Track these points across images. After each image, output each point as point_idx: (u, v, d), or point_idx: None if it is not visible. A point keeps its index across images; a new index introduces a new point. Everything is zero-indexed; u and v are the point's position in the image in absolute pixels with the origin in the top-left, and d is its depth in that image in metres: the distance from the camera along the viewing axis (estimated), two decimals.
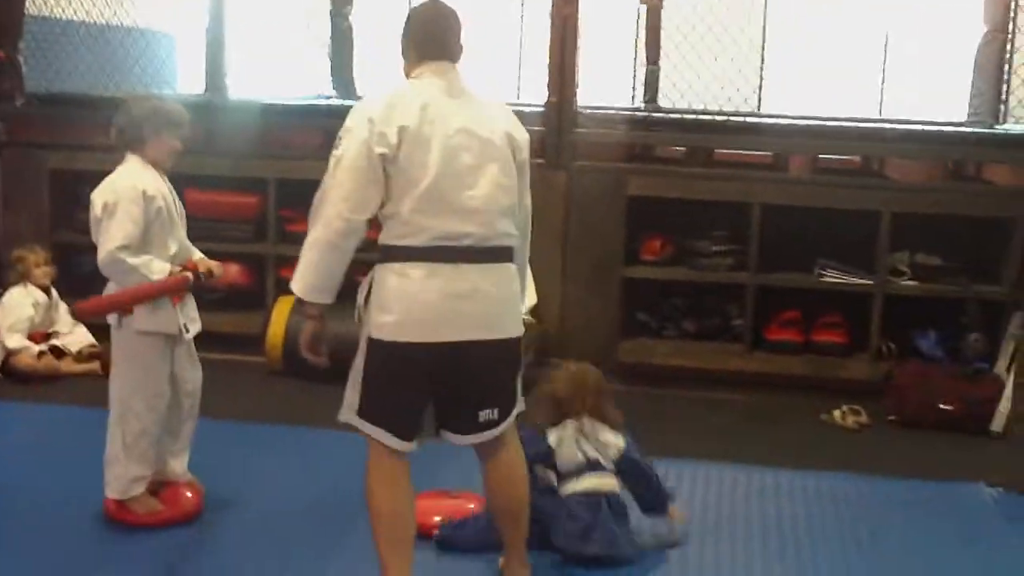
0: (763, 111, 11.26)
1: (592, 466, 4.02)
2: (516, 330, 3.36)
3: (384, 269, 3.22)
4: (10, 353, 5.92)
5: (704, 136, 6.75)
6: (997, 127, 7.68)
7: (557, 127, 6.25)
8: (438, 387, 3.29)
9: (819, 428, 5.71)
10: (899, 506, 4.63)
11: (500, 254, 3.28)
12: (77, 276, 6.50)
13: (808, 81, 12.04)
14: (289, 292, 6.26)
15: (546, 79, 6.29)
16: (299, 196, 6.68)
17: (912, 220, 6.15)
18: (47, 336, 6.09)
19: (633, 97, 9.58)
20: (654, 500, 4.12)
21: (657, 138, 6.75)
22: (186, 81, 9.94)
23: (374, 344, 3.23)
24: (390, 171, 3.16)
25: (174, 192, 4.19)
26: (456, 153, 3.19)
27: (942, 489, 4.83)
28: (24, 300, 6.01)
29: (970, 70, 9.12)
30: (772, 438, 5.54)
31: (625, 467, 4.06)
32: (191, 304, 4.19)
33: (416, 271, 3.16)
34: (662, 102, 8.27)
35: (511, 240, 3.30)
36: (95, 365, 6.00)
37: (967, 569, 4.08)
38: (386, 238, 3.21)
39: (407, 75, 3.40)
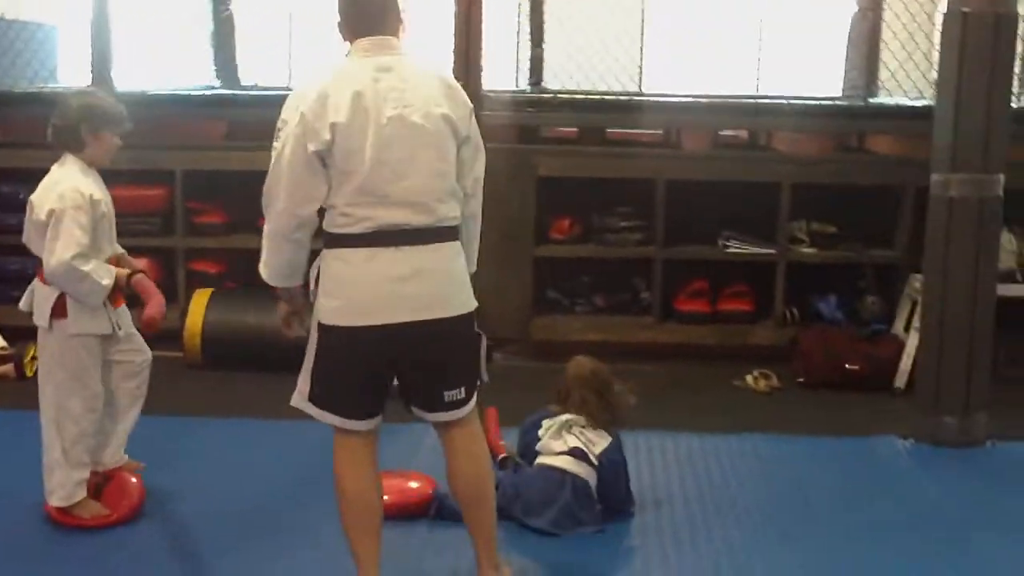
0: (645, 91, 11.57)
1: (572, 452, 4.16)
2: (466, 306, 3.32)
3: (328, 255, 3.24)
4: None
5: (600, 116, 6.89)
6: (871, 100, 8.06)
7: None
8: (393, 369, 3.29)
9: (734, 393, 5.93)
10: (822, 461, 4.88)
11: (443, 234, 3.25)
12: None
13: (688, 61, 12.34)
14: (204, 285, 6.37)
15: (451, 64, 6.35)
16: (206, 187, 6.74)
17: (808, 191, 6.41)
18: None
19: (517, 80, 9.72)
20: (620, 504, 4.25)
21: (556, 119, 6.86)
22: (68, 73, 9.73)
23: (322, 329, 3.26)
24: (328, 163, 3.15)
25: (107, 192, 4.12)
26: (389, 144, 3.14)
27: (859, 443, 5.09)
28: None
29: (843, 46, 9.55)
30: (690, 405, 5.73)
31: (604, 464, 4.18)
32: (123, 305, 4.15)
33: (356, 256, 3.18)
34: (547, 84, 8.43)
35: (454, 220, 3.27)
36: (7, 368, 5.88)
37: (891, 514, 4.31)
38: (328, 226, 3.22)
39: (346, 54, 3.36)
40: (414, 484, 4.25)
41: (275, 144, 3.22)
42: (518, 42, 10.00)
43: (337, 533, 3.46)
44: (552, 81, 8.01)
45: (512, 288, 6.47)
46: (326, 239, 3.24)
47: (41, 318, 3.98)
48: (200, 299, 6.25)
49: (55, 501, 4.05)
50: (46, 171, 6.53)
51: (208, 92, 7.81)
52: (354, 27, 3.29)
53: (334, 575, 3.62)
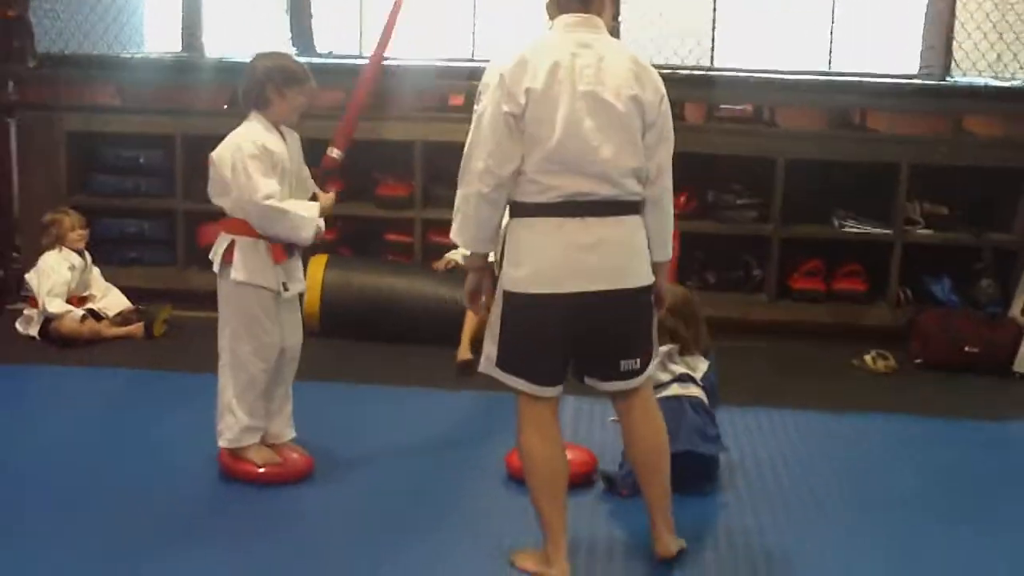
0: (716, 65, 11.54)
1: (679, 379, 4.31)
2: (645, 279, 3.40)
3: (515, 224, 3.35)
4: (51, 318, 5.85)
5: (704, 91, 6.88)
6: (947, 79, 8.02)
7: None
8: (574, 337, 3.37)
9: (852, 373, 5.96)
10: (957, 445, 4.90)
11: (626, 207, 3.33)
12: (99, 239, 6.45)
13: (758, 35, 12.29)
14: (320, 252, 6.42)
15: None
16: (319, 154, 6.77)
17: (922, 171, 6.41)
18: (83, 300, 6.03)
19: None
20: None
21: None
22: (155, 39, 9.76)
23: (508, 296, 3.37)
24: (521, 128, 3.24)
25: (301, 153, 4.19)
26: (581, 117, 3.23)
27: (992, 428, 5.11)
28: (60, 264, 5.94)
29: (919, 24, 9.50)
30: (808, 383, 5.76)
31: (706, 387, 4.37)
32: (296, 263, 4.23)
33: (544, 225, 3.29)
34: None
35: (637, 196, 3.34)
36: (136, 328, 5.97)
37: None
38: (516, 194, 3.32)
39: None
40: (572, 455, 4.30)
41: (476, 107, 3.33)
42: None
43: (493, 501, 3.64)
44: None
45: None
46: (513, 208, 3.35)
47: (215, 263, 4.11)
48: (316, 267, 6.27)
49: (223, 442, 4.16)
50: (163, 137, 6.69)
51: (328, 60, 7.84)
52: (561, 5, 3.37)
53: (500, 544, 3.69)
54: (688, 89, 6.65)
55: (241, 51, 8.28)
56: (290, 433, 4.32)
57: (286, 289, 4.16)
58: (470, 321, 5.77)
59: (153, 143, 6.76)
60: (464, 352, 5.65)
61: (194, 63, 7.41)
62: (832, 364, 6.05)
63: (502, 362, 3.41)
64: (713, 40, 12.43)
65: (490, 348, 3.45)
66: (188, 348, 5.82)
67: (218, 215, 4.22)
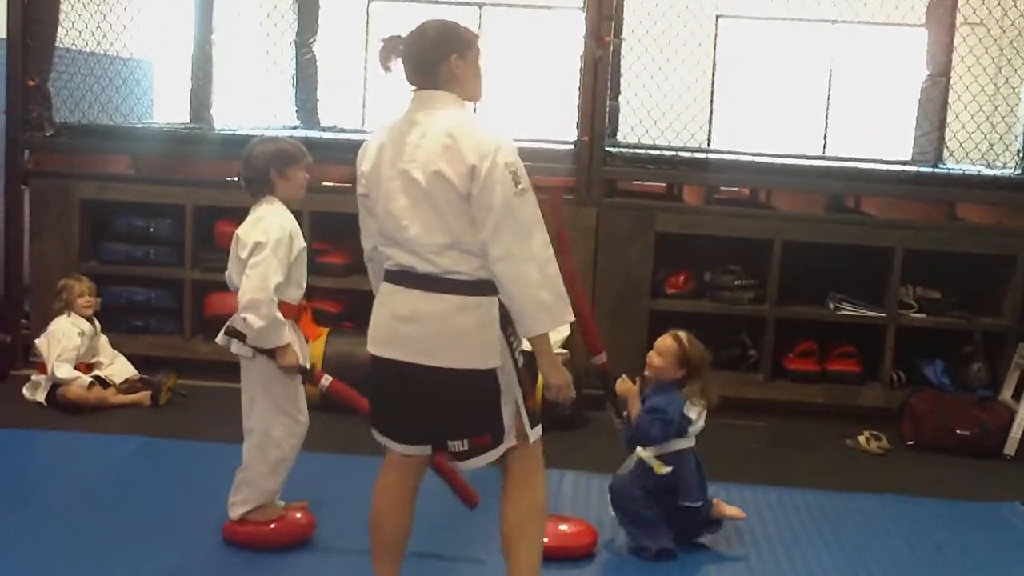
0: (713, 146, 11.76)
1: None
2: (469, 362, 3.32)
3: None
4: (58, 384, 5.94)
5: (700, 174, 7.05)
6: (939, 166, 8.21)
7: (588, 165, 6.50)
8: (406, 403, 3.42)
9: (846, 452, 6.05)
10: (949, 524, 4.99)
11: (447, 285, 3.29)
12: (107, 306, 6.55)
13: (754, 119, 12.56)
14: (323, 323, 6.53)
15: (576, 119, 6.54)
16: (332, 228, 6.92)
17: (915, 256, 6.56)
18: (90, 367, 6.12)
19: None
20: None
21: (660, 176, 6.94)
22: (164, 109, 9.96)
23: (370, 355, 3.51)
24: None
25: None
26: (395, 196, 3.32)
27: (985, 509, 5.21)
28: (71, 330, 6.03)
29: (912, 111, 9.73)
30: (802, 462, 5.87)
31: None
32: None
33: (383, 290, 3.45)
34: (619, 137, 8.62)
35: (464, 275, 3.29)
36: (143, 396, 6.06)
37: None
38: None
39: None
40: (572, 528, 4.41)
41: None
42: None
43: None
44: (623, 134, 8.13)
45: (628, 340, 6.60)
46: None
47: (245, 348, 4.17)
48: (317, 340, 6.39)
49: (236, 514, 4.23)
50: (173, 207, 6.83)
51: (329, 135, 8.00)
52: (407, 78, 3.46)
53: None
54: (687, 172, 6.82)
55: (247, 124, 8.51)
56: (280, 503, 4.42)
57: (312, 366, 4.33)
58: None
59: (163, 212, 6.89)
60: None
61: (203, 135, 7.58)
62: (827, 444, 6.15)
63: (371, 415, 3.57)
64: (711, 123, 12.76)
65: None
66: (193, 416, 5.92)
67: (225, 284, 4.31)
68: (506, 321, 3.34)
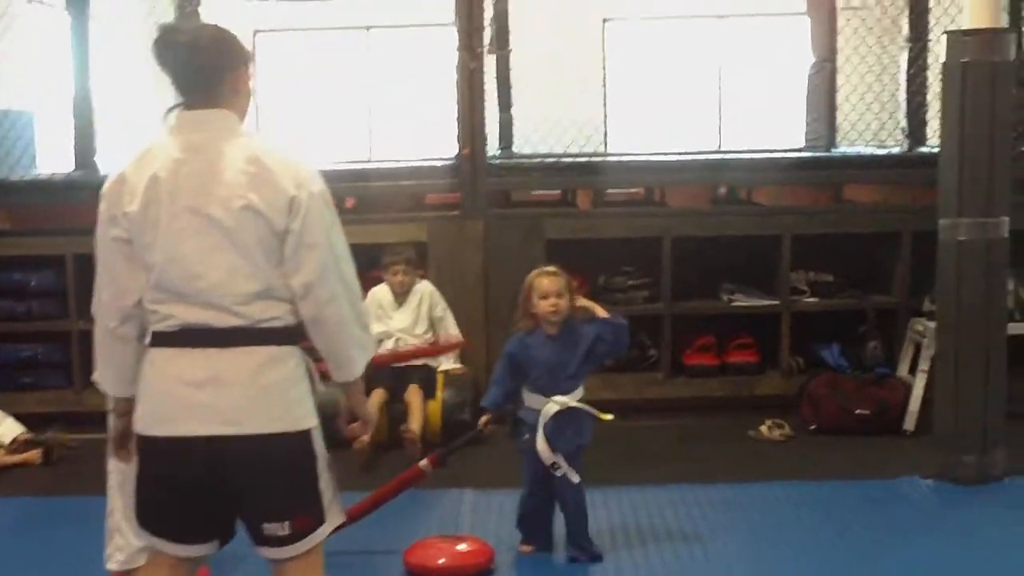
0: (609, 149, 11.81)
1: None
2: (282, 424, 2.79)
3: (144, 356, 2.88)
4: None
5: (588, 178, 7.05)
6: (833, 150, 8.34)
7: (472, 178, 6.46)
8: (203, 488, 2.81)
9: (749, 443, 6.06)
10: (853, 504, 5.00)
11: (255, 337, 2.80)
12: None
13: (649, 118, 12.63)
14: None
15: (455, 132, 6.51)
16: None
17: (804, 242, 6.60)
18: None
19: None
20: None
21: (549, 183, 6.97)
22: (47, 160, 9.75)
23: (136, 439, 2.89)
24: (134, 253, 2.82)
25: None
26: (181, 239, 2.76)
27: (883, 486, 5.23)
28: None
29: (801, 98, 9.86)
30: (708, 457, 5.84)
31: None
32: None
33: (159, 356, 2.82)
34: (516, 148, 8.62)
35: (276, 322, 2.80)
36: (33, 455, 5.89)
37: (928, 552, 4.46)
38: (148, 324, 2.88)
39: None
40: (468, 547, 4.35)
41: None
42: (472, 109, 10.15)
43: None
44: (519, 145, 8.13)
45: None
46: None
47: None
48: None
49: (114, 564, 4.05)
50: (53, 257, 6.67)
51: None
52: (177, 94, 2.88)
53: None
54: (576, 176, 6.82)
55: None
56: None
57: None
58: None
59: (44, 264, 6.73)
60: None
61: (86, 181, 7.40)
62: (729, 436, 6.15)
63: (138, 513, 2.92)
64: (605, 128, 12.81)
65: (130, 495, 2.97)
66: (86, 471, 5.71)
67: None
68: (309, 374, 2.90)
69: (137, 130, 9.39)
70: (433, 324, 6.37)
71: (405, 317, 6.29)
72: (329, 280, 2.81)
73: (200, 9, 8.28)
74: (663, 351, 6.61)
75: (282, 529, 2.81)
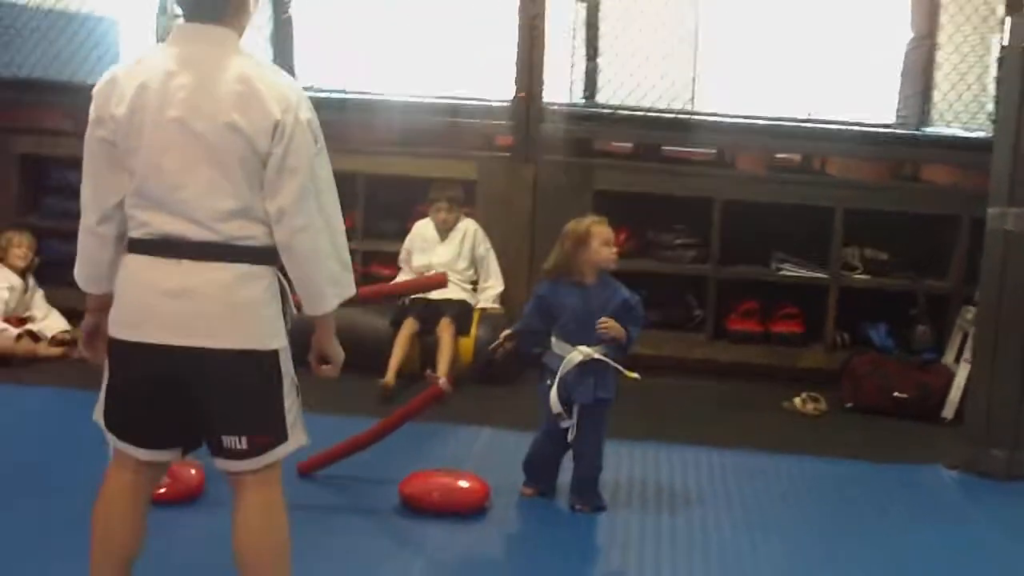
0: (697, 107, 11.61)
1: None
2: (246, 341, 2.79)
3: (122, 260, 2.90)
4: None
5: (656, 133, 6.95)
6: (924, 129, 8.07)
7: (526, 123, 6.41)
8: (168, 395, 2.84)
9: (781, 414, 5.97)
10: (867, 486, 4.90)
11: (229, 253, 2.79)
12: (46, 261, 6.52)
13: (740, 78, 12.36)
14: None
15: (513, 75, 6.44)
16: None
17: (863, 217, 6.45)
18: (22, 321, 6.10)
19: (571, 93, 9.77)
20: None
21: (611, 134, 6.86)
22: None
23: (108, 340, 2.91)
24: (119, 155, 2.81)
25: None
26: (164, 149, 2.75)
27: (905, 471, 5.12)
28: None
29: (897, 73, 9.57)
30: (739, 423, 5.79)
31: None
32: None
33: (135, 264, 2.83)
34: (600, 98, 8.50)
35: (251, 241, 2.79)
36: (71, 349, 6.04)
37: (936, 543, 4.32)
38: (127, 229, 2.89)
39: None
40: (464, 484, 4.35)
41: None
42: (572, 55, 10.07)
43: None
44: (607, 96, 8.04)
45: None
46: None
47: None
48: None
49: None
50: None
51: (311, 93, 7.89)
52: (179, 8, 2.89)
53: None
54: (646, 131, 6.74)
55: None
56: None
57: None
58: (398, 349, 5.89)
59: None
60: (389, 378, 5.76)
61: None
62: (764, 405, 6.07)
63: (106, 414, 2.93)
64: (694, 87, 12.57)
65: (101, 395, 2.97)
66: None
67: None
68: (284, 299, 2.89)
69: None
70: (475, 262, 6.37)
71: (447, 252, 6.30)
72: (305, 208, 2.78)
73: None
74: (707, 314, 6.52)
75: (240, 443, 2.83)
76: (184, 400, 2.83)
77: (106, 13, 9.48)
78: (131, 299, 2.82)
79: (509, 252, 6.41)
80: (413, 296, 6.05)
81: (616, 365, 4.28)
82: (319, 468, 4.53)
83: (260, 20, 9.58)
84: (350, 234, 6.55)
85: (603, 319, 4.26)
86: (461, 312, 6.09)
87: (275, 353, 2.83)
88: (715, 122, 7.21)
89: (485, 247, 6.39)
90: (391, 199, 6.79)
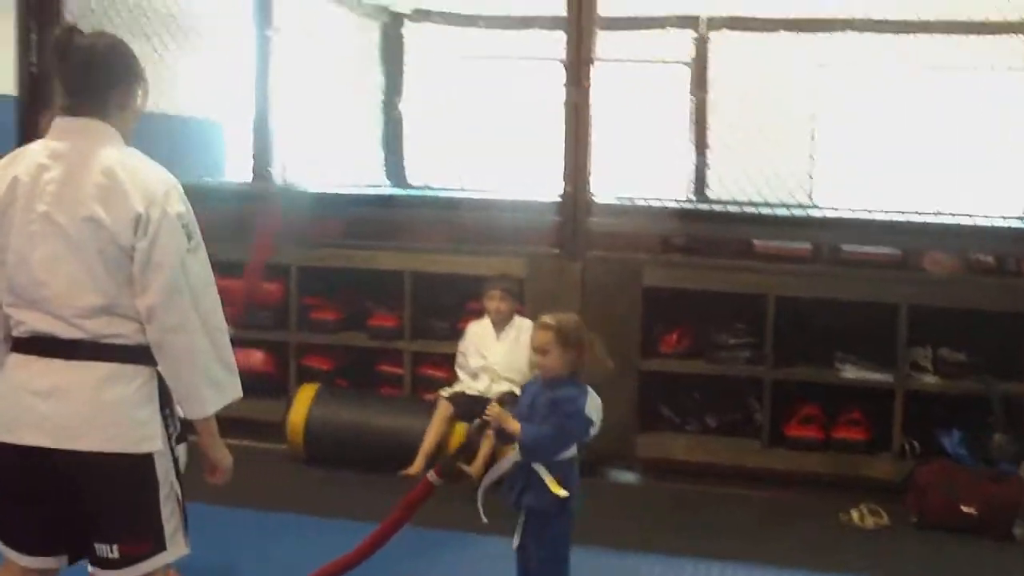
0: (815, 203, 11.17)
1: None
2: (120, 443, 2.72)
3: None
4: None
5: (735, 227, 6.69)
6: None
7: (572, 216, 6.23)
8: (41, 499, 2.79)
9: (837, 528, 5.55)
10: None
11: (97, 351, 2.73)
12: None
13: (857, 174, 11.92)
14: (315, 380, 6.42)
15: (562, 169, 6.29)
16: (323, 283, 6.85)
17: (935, 314, 6.02)
18: None
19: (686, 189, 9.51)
20: None
21: (673, 228, 6.65)
22: (234, 169, 10.11)
23: None
24: None
25: None
26: (32, 244, 2.72)
27: None
28: None
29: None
30: (790, 538, 5.40)
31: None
32: None
33: (12, 362, 2.81)
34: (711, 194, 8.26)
35: (121, 339, 2.74)
36: None
37: None
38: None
39: None
40: None
41: None
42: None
43: None
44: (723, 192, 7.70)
45: (617, 401, 6.25)
46: None
47: None
48: (305, 393, 6.33)
49: None
50: (234, 263, 6.78)
51: (354, 192, 7.95)
52: (64, 92, 2.85)
53: None
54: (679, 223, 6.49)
55: (324, 182, 8.46)
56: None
57: None
58: (430, 434, 5.91)
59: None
60: (414, 467, 5.75)
61: (253, 191, 7.57)
62: (819, 517, 5.65)
63: None
64: (811, 181, 12.14)
65: None
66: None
67: None
68: (165, 401, 2.81)
69: (317, 144, 9.77)
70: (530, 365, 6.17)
71: (503, 349, 6.12)
72: (177, 306, 2.71)
73: None
74: (764, 418, 6.16)
75: (111, 552, 2.75)
76: (58, 504, 2.77)
77: (211, 117, 9.82)
78: (4, 399, 2.79)
79: None
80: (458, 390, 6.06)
81: (544, 474, 3.87)
82: None
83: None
84: (398, 333, 6.56)
85: (492, 404, 4.03)
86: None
87: (149, 457, 2.75)
88: (807, 218, 6.83)
89: None
90: (440, 298, 6.67)
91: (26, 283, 2.75)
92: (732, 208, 6.91)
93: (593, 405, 3.96)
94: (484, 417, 4.06)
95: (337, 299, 6.86)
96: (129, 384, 2.75)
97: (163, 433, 2.79)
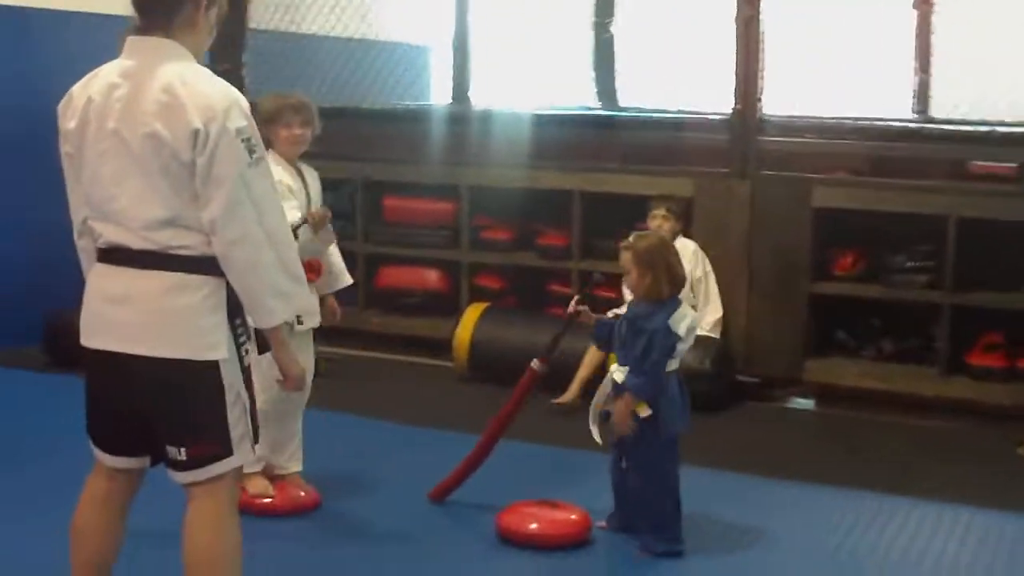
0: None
1: None
2: (185, 350, 2.79)
3: None
4: None
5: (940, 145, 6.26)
6: None
7: (742, 135, 6.02)
8: (119, 401, 2.91)
9: (1015, 463, 5.23)
10: None
11: (165, 261, 2.80)
12: None
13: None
14: (486, 299, 6.49)
15: (732, 86, 6.08)
16: (494, 202, 6.87)
17: None
18: None
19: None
20: None
21: (846, 148, 6.27)
22: (440, 92, 10.20)
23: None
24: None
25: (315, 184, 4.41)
26: (103, 160, 2.81)
27: None
28: None
29: None
30: (960, 471, 5.10)
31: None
32: (313, 296, 4.20)
33: (95, 271, 2.93)
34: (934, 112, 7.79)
35: (187, 250, 2.79)
36: None
37: None
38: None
39: None
40: (562, 515, 4.13)
41: None
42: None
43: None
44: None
45: (787, 324, 6.09)
46: None
47: None
48: (472, 313, 6.40)
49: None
50: (344, 181, 6.95)
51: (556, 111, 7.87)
52: (136, 14, 2.90)
53: None
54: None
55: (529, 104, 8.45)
56: (295, 467, 4.37)
57: (300, 322, 4.09)
58: (584, 368, 5.80)
59: (334, 187, 6.96)
60: (567, 396, 5.75)
61: (452, 113, 7.64)
62: (997, 452, 5.33)
63: (86, 418, 3.02)
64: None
65: None
66: (342, 387, 6.08)
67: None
68: (235, 311, 2.86)
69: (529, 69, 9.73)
70: (692, 285, 6.04)
71: None
72: (239, 219, 2.76)
73: None
74: (941, 345, 5.84)
75: (179, 454, 2.84)
76: (132, 406, 2.88)
77: (419, 42, 9.92)
78: (87, 305, 2.91)
79: (726, 273, 6.11)
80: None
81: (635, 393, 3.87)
82: (448, 493, 4.45)
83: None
84: (567, 252, 6.54)
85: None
86: None
87: (215, 364, 2.81)
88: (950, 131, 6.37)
89: (704, 269, 6.07)
90: (608, 218, 6.59)
91: (100, 197, 2.84)
92: (932, 127, 6.49)
93: (680, 320, 3.88)
94: (569, 312, 4.16)
95: (507, 219, 6.88)
96: (195, 293, 2.81)
97: (230, 342, 2.85)
